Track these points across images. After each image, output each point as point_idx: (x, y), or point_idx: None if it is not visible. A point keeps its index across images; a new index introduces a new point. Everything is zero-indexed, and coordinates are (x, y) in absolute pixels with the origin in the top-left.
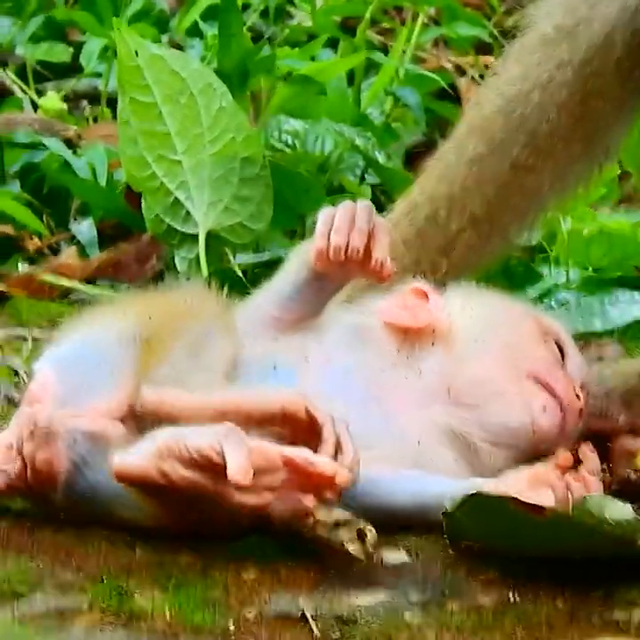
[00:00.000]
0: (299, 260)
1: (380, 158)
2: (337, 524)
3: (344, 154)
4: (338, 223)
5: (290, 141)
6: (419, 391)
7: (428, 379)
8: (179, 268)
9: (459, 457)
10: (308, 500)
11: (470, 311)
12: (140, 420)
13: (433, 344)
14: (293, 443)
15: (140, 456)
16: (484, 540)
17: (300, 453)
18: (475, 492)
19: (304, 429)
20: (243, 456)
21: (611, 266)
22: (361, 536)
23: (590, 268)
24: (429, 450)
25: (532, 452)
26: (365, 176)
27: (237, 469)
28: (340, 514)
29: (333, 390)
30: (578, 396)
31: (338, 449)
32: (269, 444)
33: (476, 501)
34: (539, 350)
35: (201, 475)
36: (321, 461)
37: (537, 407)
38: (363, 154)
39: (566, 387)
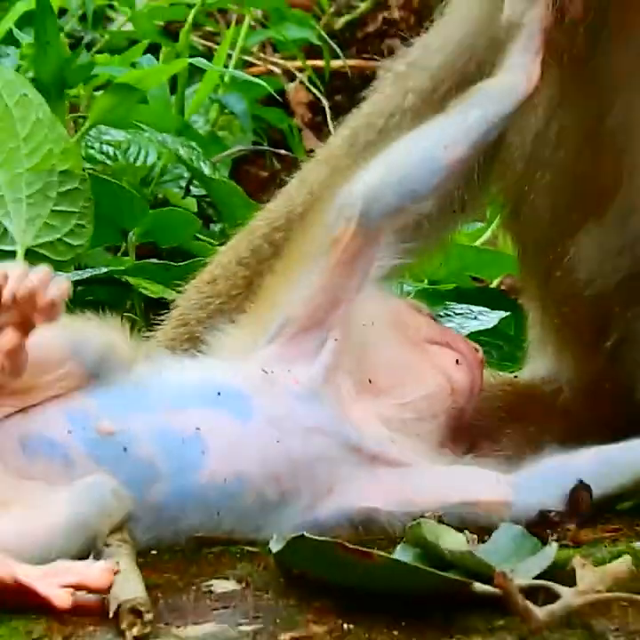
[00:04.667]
0: None
1: (206, 169)
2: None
3: (168, 165)
4: None
5: (111, 153)
6: (353, 394)
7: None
8: None
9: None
10: None
11: None
12: None
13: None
14: None
15: None
16: (315, 574)
17: None
18: (300, 534)
19: None
20: None
21: (447, 277)
22: (137, 613)
23: (426, 280)
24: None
25: (453, 419)
26: (191, 188)
27: None
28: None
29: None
30: (475, 348)
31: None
32: None
33: (303, 543)
34: (420, 319)
35: None
36: None
37: (450, 364)
38: (187, 165)
39: (462, 341)
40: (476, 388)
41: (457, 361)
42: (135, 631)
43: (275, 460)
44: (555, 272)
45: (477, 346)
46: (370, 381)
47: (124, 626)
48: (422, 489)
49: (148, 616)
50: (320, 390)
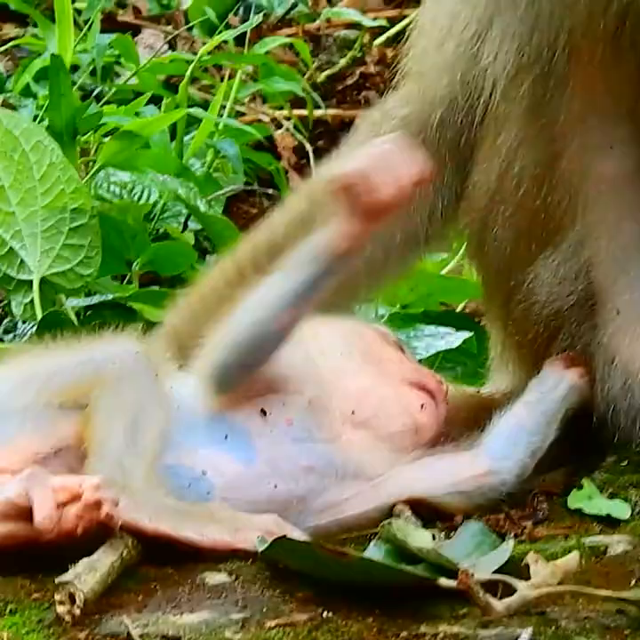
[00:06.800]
0: None
1: (202, 206)
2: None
3: (168, 203)
4: None
5: (117, 192)
6: (339, 423)
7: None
8: (14, 312)
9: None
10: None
11: (321, 339)
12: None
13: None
14: None
15: None
16: (298, 569)
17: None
18: (282, 536)
19: None
20: (47, 499)
21: (417, 302)
22: (72, 598)
23: (398, 305)
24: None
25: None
26: (188, 223)
27: (42, 518)
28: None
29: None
30: (440, 381)
31: None
32: (69, 479)
33: (284, 544)
34: (391, 352)
35: (14, 524)
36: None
37: (415, 408)
38: (185, 203)
39: (429, 376)
40: (439, 423)
41: (422, 406)
42: (61, 609)
43: (268, 499)
44: (515, 296)
45: (442, 379)
46: (353, 412)
47: (56, 598)
48: (408, 483)
49: (79, 603)
50: (311, 426)
